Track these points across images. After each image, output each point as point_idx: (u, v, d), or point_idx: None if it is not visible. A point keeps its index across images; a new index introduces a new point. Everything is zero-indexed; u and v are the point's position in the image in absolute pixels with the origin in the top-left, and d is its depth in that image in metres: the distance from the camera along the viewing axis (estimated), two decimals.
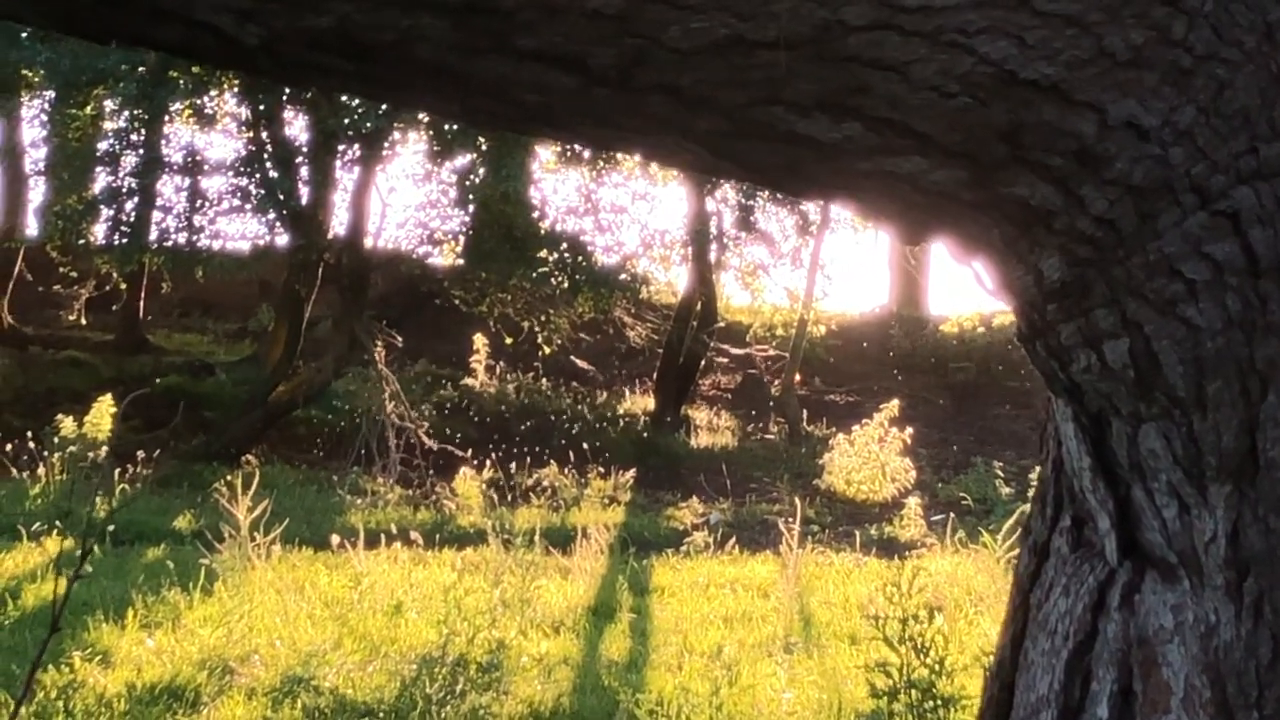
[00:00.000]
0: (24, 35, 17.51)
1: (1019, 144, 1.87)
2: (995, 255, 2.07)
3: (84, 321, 26.17)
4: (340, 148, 18.96)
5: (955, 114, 1.85)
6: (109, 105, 19.53)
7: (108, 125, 20.15)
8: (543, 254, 20.17)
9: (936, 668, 6.77)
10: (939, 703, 6.72)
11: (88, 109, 19.62)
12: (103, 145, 19.57)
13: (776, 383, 25.23)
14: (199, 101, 18.98)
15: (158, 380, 20.96)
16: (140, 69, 16.86)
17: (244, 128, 19.94)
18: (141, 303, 25.03)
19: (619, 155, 20.95)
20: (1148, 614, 2.04)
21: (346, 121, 18.02)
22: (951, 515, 14.98)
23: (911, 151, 1.91)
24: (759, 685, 8.21)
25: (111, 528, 11.91)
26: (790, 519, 12.31)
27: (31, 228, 26.06)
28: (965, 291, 70.19)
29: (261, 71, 2.12)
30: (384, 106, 17.76)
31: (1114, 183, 1.87)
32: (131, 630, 9.15)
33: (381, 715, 7.53)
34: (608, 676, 8.66)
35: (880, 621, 6.90)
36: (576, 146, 19.82)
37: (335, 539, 11.00)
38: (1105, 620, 2.11)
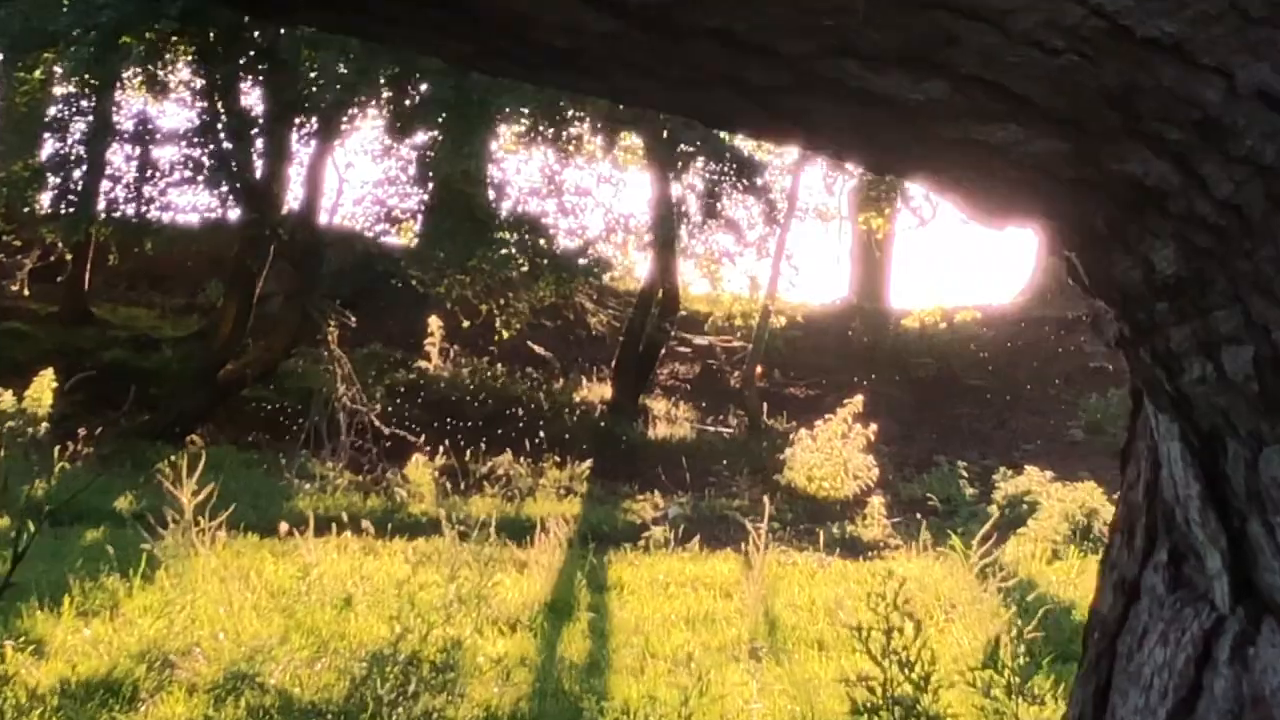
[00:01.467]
0: None
1: (1132, 112, 1.64)
2: (1097, 244, 1.82)
3: (27, 292, 25.61)
4: (297, 120, 18.55)
5: (1059, 74, 1.62)
6: (59, 69, 19.03)
7: (57, 90, 19.68)
8: (504, 235, 19.82)
9: (922, 683, 6.46)
10: None
11: (37, 72, 19.13)
12: (51, 111, 19.09)
13: (736, 374, 24.99)
14: (152, 68, 18.48)
15: (103, 354, 20.52)
16: (92, 32, 16.38)
17: (198, 97, 19.52)
18: (87, 274, 24.57)
19: (578, 132, 20.60)
20: (1264, 670, 1.76)
21: (304, 93, 17.62)
22: (918, 516, 14.79)
23: (1006, 117, 1.68)
24: (729, 695, 7.89)
25: (49, 507, 11.47)
26: (752, 516, 12.06)
27: None
28: (926, 286, 70.64)
29: (251, 9, 1.92)
30: (340, 82, 17.39)
31: (1242, 161, 1.62)
32: (67, 618, 8.76)
33: (330, 716, 7.18)
34: (568, 680, 8.35)
35: (863, 633, 6.58)
36: (541, 126, 19.54)
37: (284, 526, 10.67)
38: (1212, 675, 1.82)
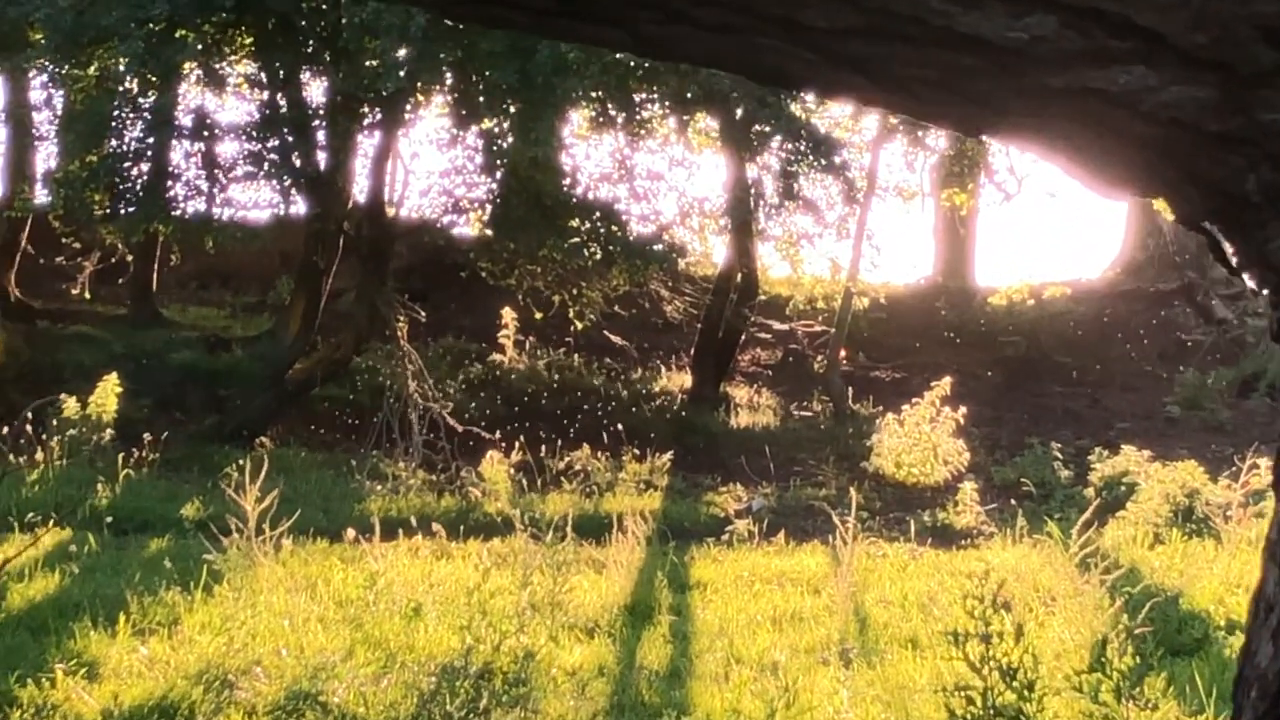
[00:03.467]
0: None
1: None
2: (1248, 213, 1.47)
3: (88, 295, 25.56)
4: (360, 110, 18.22)
5: (1200, 3, 1.29)
6: (116, 65, 18.75)
7: (114, 86, 19.39)
8: (574, 223, 19.42)
9: (1025, 692, 5.93)
10: None
11: (91, 69, 18.85)
12: (108, 108, 18.82)
13: (819, 358, 24.52)
14: (210, 62, 18.20)
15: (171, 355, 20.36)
16: (148, 25, 16.10)
17: (258, 89, 19.23)
18: (154, 274, 24.47)
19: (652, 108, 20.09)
20: None
21: (365, 82, 17.27)
22: (1012, 501, 14.26)
23: (1132, 59, 1.34)
24: (819, 706, 7.38)
25: (111, 519, 11.18)
26: (840, 509, 11.59)
27: (40, 195, 25.27)
28: (1013, 262, 69.63)
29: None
30: (401, 69, 17.02)
31: None
32: (123, 637, 8.39)
33: None
34: (648, 691, 7.89)
35: (960, 640, 6.05)
36: (611, 109, 19.06)
37: (350, 533, 10.34)
38: None
